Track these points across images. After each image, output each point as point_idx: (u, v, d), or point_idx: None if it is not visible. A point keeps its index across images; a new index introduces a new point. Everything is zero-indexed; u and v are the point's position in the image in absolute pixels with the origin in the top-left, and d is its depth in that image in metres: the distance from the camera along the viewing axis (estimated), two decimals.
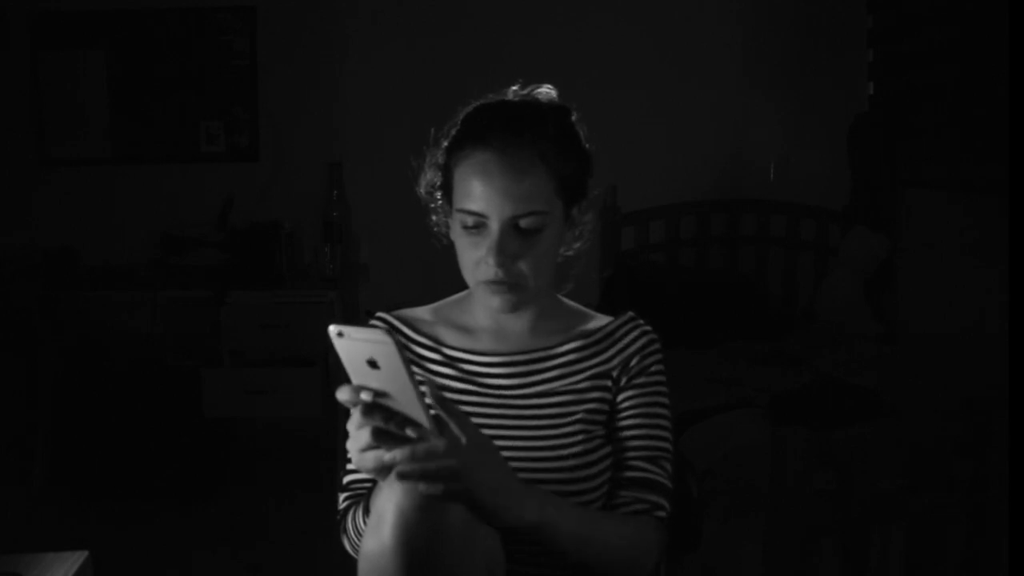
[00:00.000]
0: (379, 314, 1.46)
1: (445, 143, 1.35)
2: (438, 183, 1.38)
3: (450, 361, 1.40)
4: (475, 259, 1.30)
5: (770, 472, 1.97)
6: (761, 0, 3.77)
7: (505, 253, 1.27)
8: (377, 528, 1.11)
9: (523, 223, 1.27)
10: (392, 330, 1.42)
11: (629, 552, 1.30)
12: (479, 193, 1.27)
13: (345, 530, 1.36)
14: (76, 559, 1.60)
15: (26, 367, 3.57)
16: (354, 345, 1.08)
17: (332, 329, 1.07)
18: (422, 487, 1.08)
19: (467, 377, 1.38)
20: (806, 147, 3.80)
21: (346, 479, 1.40)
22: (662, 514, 1.34)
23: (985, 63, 2.86)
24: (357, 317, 3.69)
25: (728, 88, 3.79)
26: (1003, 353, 1.68)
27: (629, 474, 1.35)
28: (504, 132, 1.28)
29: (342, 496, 1.40)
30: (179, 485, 3.41)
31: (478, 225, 1.28)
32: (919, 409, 2.41)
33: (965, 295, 2.95)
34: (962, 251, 3.02)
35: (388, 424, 1.10)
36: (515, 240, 1.28)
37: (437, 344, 1.41)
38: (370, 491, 1.28)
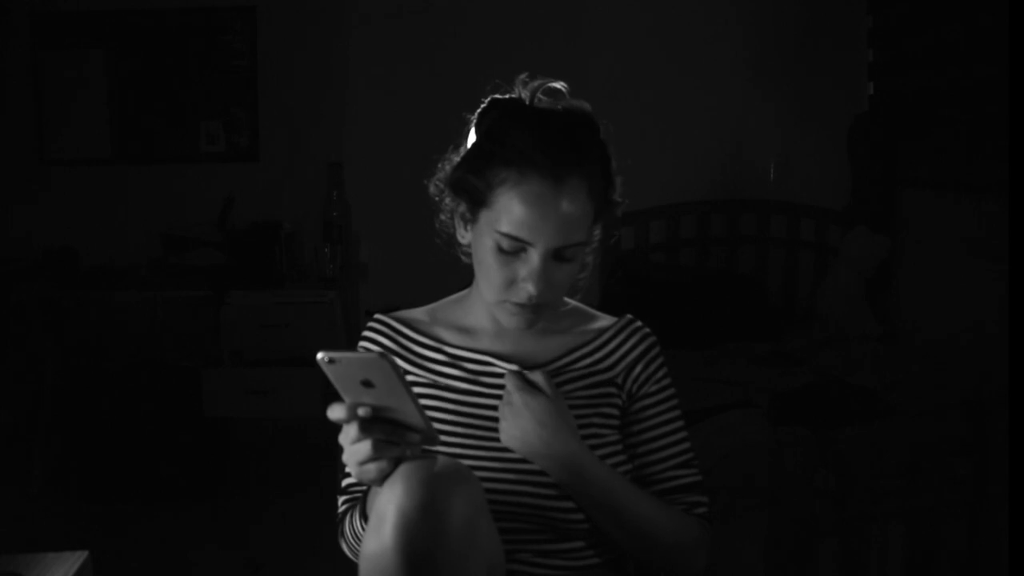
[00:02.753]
0: (377, 315, 1.45)
1: (475, 148, 1.32)
2: (467, 188, 1.31)
3: (454, 360, 1.39)
4: (505, 279, 1.29)
5: (770, 472, 1.97)
6: (761, 0, 3.77)
7: (545, 280, 1.27)
8: (378, 529, 1.11)
9: (566, 253, 1.28)
10: (392, 332, 1.42)
11: (674, 538, 1.33)
12: (528, 222, 1.25)
13: (343, 533, 1.36)
14: (76, 559, 1.60)
15: (26, 367, 3.57)
16: (347, 369, 1.09)
17: (322, 356, 1.08)
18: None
19: (472, 377, 1.38)
20: (806, 147, 3.80)
21: (345, 482, 1.40)
22: (704, 510, 1.39)
23: (985, 63, 2.85)
24: (357, 317, 3.69)
25: (728, 88, 3.79)
26: (1003, 353, 1.68)
27: (667, 484, 1.38)
28: (558, 166, 1.25)
29: (341, 499, 1.40)
30: (179, 485, 3.41)
31: (518, 250, 1.28)
32: (919, 409, 2.41)
33: (965, 295, 2.95)
34: (962, 251, 3.02)
35: (391, 436, 1.13)
36: (553, 267, 1.28)
37: (439, 343, 1.41)
38: (366, 494, 1.28)
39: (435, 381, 1.38)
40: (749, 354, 3.13)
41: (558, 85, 1.38)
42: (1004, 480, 1.77)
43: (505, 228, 1.26)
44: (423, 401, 1.35)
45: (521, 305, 1.30)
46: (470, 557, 1.11)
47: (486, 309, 1.39)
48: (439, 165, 1.39)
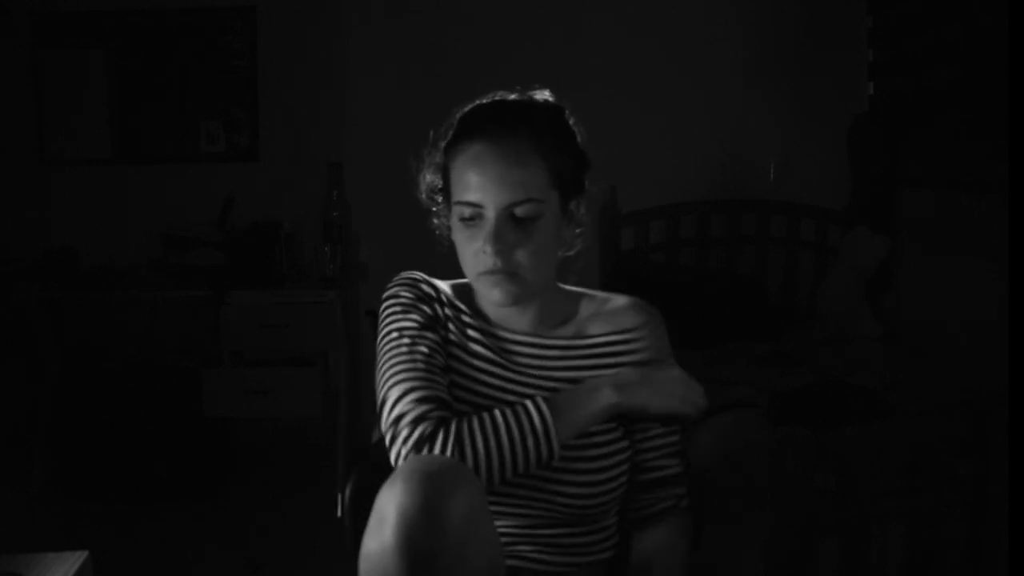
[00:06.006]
0: (414, 272, 1.42)
1: (443, 143, 1.36)
2: (438, 185, 1.38)
3: (485, 329, 1.39)
4: (473, 251, 1.31)
5: (770, 472, 1.97)
6: (761, 0, 3.77)
7: (502, 241, 1.28)
8: (378, 529, 1.11)
9: (519, 211, 1.28)
10: (433, 289, 1.39)
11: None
12: (475, 183, 1.28)
13: (441, 436, 1.24)
14: (76, 559, 1.60)
15: (26, 367, 3.57)
16: None
17: None
18: None
19: (499, 349, 1.38)
20: (806, 147, 3.80)
21: (412, 399, 1.28)
22: (686, 502, 1.43)
23: (985, 63, 2.86)
24: (357, 317, 3.68)
25: (728, 88, 3.79)
26: (1003, 353, 1.68)
27: (654, 475, 1.40)
28: (498, 124, 1.30)
29: (420, 409, 1.26)
30: (179, 485, 3.41)
31: (475, 216, 1.29)
32: (919, 409, 2.41)
33: (965, 295, 2.95)
34: (962, 251, 3.02)
35: None
36: (512, 229, 1.28)
37: (474, 312, 1.40)
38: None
39: (466, 346, 1.38)
40: (749, 354, 3.13)
41: (541, 93, 1.40)
42: (1004, 480, 1.77)
43: (459, 196, 1.30)
44: (451, 364, 1.36)
45: (492, 273, 1.29)
46: (470, 556, 1.12)
47: (486, 302, 1.39)
48: (420, 176, 1.41)
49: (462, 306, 1.40)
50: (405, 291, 1.39)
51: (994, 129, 2.70)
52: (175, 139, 3.83)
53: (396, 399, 1.28)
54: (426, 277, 1.43)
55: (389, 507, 1.10)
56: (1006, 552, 1.62)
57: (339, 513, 1.45)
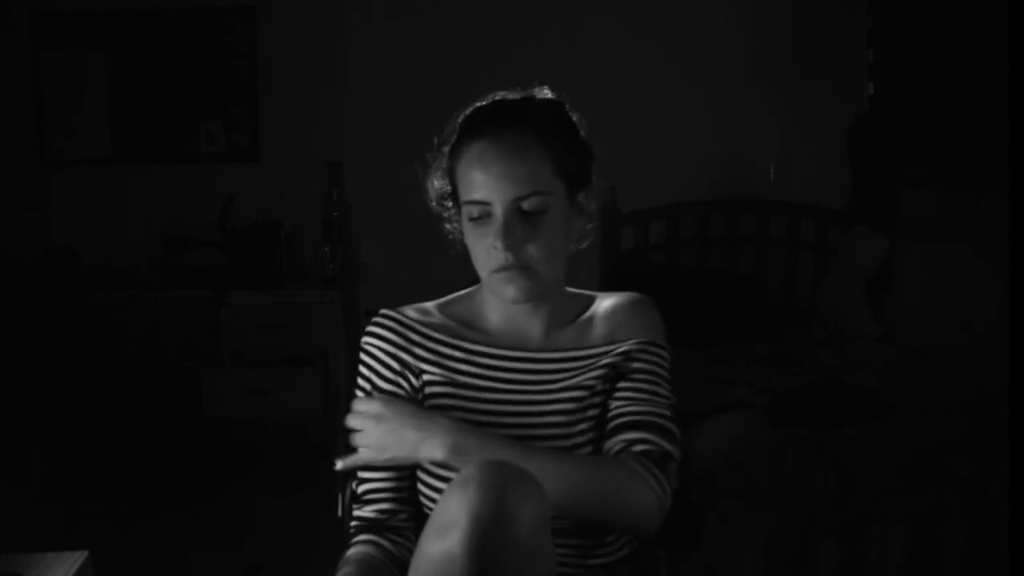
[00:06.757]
0: (384, 311, 1.42)
1: (446, 148, 1.37)
2: (447, 190, 1.38)
3: (470, 357, 1.38)
4: (485, 249, 1.30)
5: (770, 472, 1.97)
6: (761, 0, 3.77)
7: (512, 236, 1.28)
8: (445, 533, 1.09)
9: (526, 205, 1.28)
10: (402, 327, 1.40)
11: (599, 487, 1.23)
12: (480, 181, 1.29)
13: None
14: (76, 559, 1.60)
15: (26, 367, 3.57)
16: None
17: None
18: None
19: (488, 373, 1.37)
20: (806, 147, 3.80)
21: (364, 488, 1.38)
22: (645, 447, 1.27)
23: (985, 63, 2.86)
24: (357, 317, 3.69)
25: (728, 88, 3.79)
26: (1003, 353, 1.68)
27: (617, 421, 1.31)
28: (498, 122, 1.31)
29: (361, 510, 1.37)
30: (179, 485, 3.41)
31: (484, 214, 1.30)
32: (919, 409, 2.41)
33: (965, 295, 2.95)
34: (962, 251, 3.02)
35: None
36: (521, 224, 1.29)
37: (456, 340, 1.39)
38: (387, 526, 1.32)
39: (452, 379, 1.36)
40: (749, 354, 3.12)
41: (540, 90, 1.40)
42: (1004, 480, 1.77)
43: (466, 196, 1.31)
44: (441, 401, 1.35)
45: (505, 269, 1.29)
46: (537, 562, 1.10)
47: (497, 305, 1.38)
48: (428, 182, 1.41)
49: (444, 337, 1.39)
50: (373, 341, 1.40)
51: (994, 129, 2.70)
52: (175, 139, 3.83)
53: (355, 488, 1.40)
54: (401, 316, 1.41)
55: (462, 513, 1.08)
56: (1006, 552, 1.62)
57: (339, 513, 1.44)
